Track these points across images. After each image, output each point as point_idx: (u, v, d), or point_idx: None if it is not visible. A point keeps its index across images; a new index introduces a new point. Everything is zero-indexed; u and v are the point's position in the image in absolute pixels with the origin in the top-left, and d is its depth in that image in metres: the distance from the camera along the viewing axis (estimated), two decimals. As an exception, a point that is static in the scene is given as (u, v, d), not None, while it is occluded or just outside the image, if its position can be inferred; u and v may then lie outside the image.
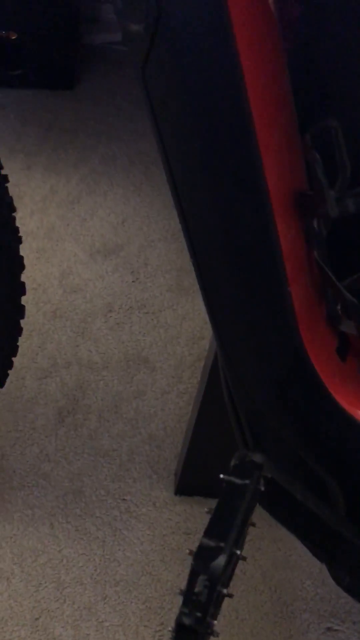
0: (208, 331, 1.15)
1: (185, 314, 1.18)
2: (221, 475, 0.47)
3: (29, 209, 1.31)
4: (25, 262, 0.71)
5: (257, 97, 0.37)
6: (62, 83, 1.59)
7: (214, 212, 0.44)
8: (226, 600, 0.49)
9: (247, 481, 0.46)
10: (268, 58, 0.38)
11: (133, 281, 1.22)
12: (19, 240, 0.62)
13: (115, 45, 1.72)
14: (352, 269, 0.49)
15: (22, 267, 0.63)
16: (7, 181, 0.59)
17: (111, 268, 1.24)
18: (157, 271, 1.25)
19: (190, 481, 0.93)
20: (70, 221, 1.31)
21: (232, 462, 0.49)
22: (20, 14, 1.47)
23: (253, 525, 0.51)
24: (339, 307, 0.47)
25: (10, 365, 0.70)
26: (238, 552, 0.48)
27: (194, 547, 0.48)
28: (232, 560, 0.48)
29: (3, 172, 0.58)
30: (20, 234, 0.65)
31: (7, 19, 1.47)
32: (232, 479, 0.47)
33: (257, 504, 0.51)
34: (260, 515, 0.54)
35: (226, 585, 0.47)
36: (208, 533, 0.47)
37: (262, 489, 0.47)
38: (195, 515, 0.93)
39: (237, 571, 0.51)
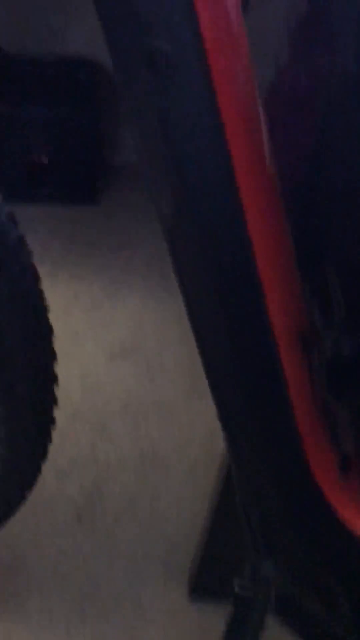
0: (222, 433, 1.20)
1: (199, 415, 1.23)
2: (234, 587, 0.52)
3: (55, 314, 1.39)
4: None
5: (263, 259, 0.45)
6: (86, 199, 1.73)
7: (225, 342, 0.51)
8: None
9: (257, 594, 0.51)
10: (273, 226, 0.47)
11: (149, 382, 1.29)
12: (54, 357, 0.69)
13: (136, 165, 1.88)
14: (351, 391, 0.55)
15: (55, 380, 0.70)
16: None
17: (129, 369, 1.31)
18: (173, 373, 1.32)
19: (205, 583, 0.95)
20: (92, 325, 1.40)
21: (244, 573, 0.53)
22: (51, 139, 1.63)
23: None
24: (339, 429, 0.53)
25: (39, 469, 0.75)
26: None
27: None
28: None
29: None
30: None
31: (39, 144, 1.63)
32: (243, 592, 0.51)
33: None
34: (272, 619, 0.57)
35: None
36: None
37: (273, 599, 0.51)
38: (210, 620, 0.94)
39: None
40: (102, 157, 1.83)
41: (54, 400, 0.72)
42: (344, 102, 0.51)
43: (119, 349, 1.35)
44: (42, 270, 1.61)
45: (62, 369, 1.30)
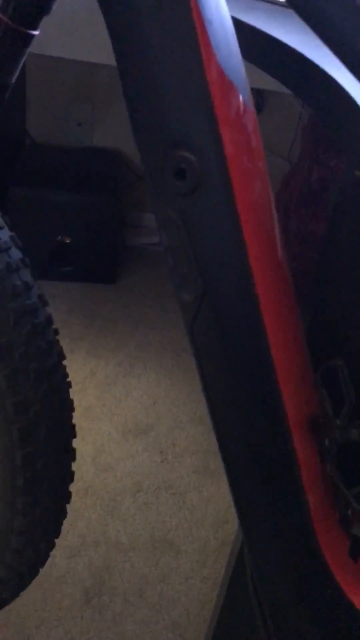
0: (232, 515, 1.20)
1: (210, 496, 1.23)
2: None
3: (71, 390, 1.43)
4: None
5: (279, 349, 0.49)
6: (106, 278, 1.80)
7: (241, 427, 0.54)
8: None
9: None
10: (287, 318, 0.51)
11: (161, 461, 1.30)
12: (73, 433, 0.71)
13: (153, 247, 1.97)
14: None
15: (73, 456, 0.73)
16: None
17: (141, 447, 1.32)
18: (185, 452, 1.33)
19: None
20: (106, 401, 1.42)
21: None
22: (75, 222, 1.72)
23: None
24: (349, 512, 0.55)
25: (53, 545, 0.76)
26: None
27: None
28: None
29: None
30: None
31: (64, 226, 1.72)
32: None
33: None
34: None
35: None
36: None
37: None
38: None
39: None
40: (121, 239, 1.91)
41: (70, 476, 0.73)
42: (353, 199, 0.56)
43: (132, 427, 1.37)
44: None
45: (75, 445, 1.32)
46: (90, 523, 1.16)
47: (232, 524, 1.18)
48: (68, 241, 1.72)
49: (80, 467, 1.26)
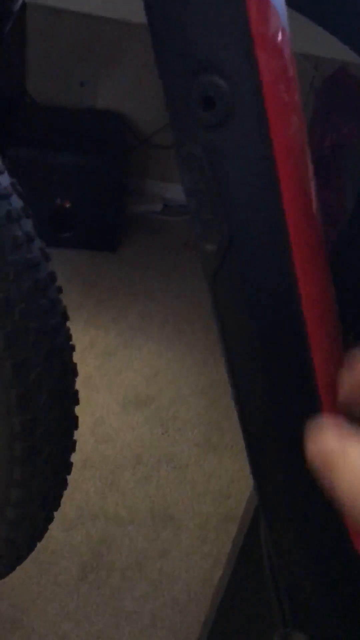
0: (235, 490, 1.16)
1: (212, 470, 1.19)
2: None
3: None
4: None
5: (311, 310, 0.43)
6: (106, 246, 1.74)
7: (265, 393, 0.48)
8: None
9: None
10: (320, 276, 0.45)
11: (162, 434, 1.26)
12: (76, 400, 0.67)
13: (155, 215, 1.91)
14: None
15: (75, 424, 0.68)
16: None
17: (142, 419, 1.28)
18: (186, 425, 1.28)
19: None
20: (107, 372, 1.38)
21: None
22: (75, 185, 1.65)
23: None
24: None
25: (51, 519, 0.72)
26: None
27: None
28: None
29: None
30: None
31: (63, 190, 1.65)
32: None
33: None
34: None
35: None
36: None
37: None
38: None
39: None
40: (123, 206, 1.85)
41: (72, 446, 0.69)
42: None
43: (133, 398, 1.32)
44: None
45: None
46: (89, 495, 1.12)
47: (235, 499, 1.14)
48: (68, 205, 1.66)
49: (79, 438, 1.21)
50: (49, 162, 1.62)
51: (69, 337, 0.64)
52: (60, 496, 0.71)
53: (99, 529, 1.07)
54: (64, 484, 0.70)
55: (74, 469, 1.18)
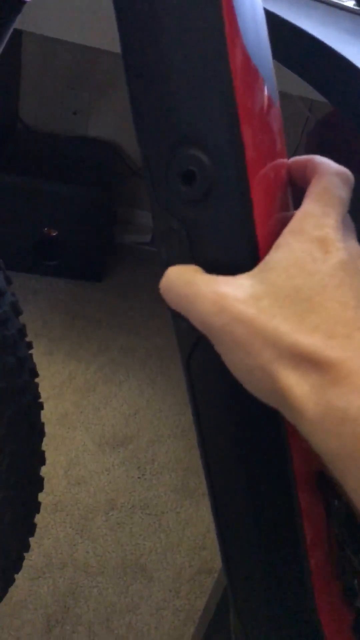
0: (210, 541, 1.12)
1: (188, 518, 1.16)
2: None
3: (46, 393, 1.34)
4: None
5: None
6: (91, 275, 1.71)
7: (240, 478, 0.46)
8: None
9: None
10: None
11: (139, 477, 1.22)
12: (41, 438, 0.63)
13: (144, 246, 1.88)
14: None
15: (41, 488, 0.64)
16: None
17: (118, 461, 1.24)
18: (164, 469, 1.25)
19: None
20: (84, 409, 1.34)
21: None
22: (63, 214, 1.63)
23: None
24: (356, 583, 0.47)
25: (27, 547, 0.68)
26: None
27: None
28: None
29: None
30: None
31: (51, 218, 1.62)
32: None
33: None
34: None
35: None
36: None
37: None
38: None
39: None
40: (111, 236, 1.83)
41: (36, 508, 0.65)
42: None
43: (110, 438, 1.29)
44: (39, 347, 1.57)
45: (48, 454, 1.24)
46: (58, 542, 1.08)
47: (210, 550, 1.10)
48: (54, 234, 1.63)
49: (51, 479, 1.17)
50: (37, 189, 1.60)
51: (37, 396, 0.61)
52: (22, 559, 0.67)
53: (67, 578, 1.03)
54: (26, 546, 0.67)
55: (44, 513, 1.14)
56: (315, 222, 0.33)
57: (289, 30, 0.62)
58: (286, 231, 0.34)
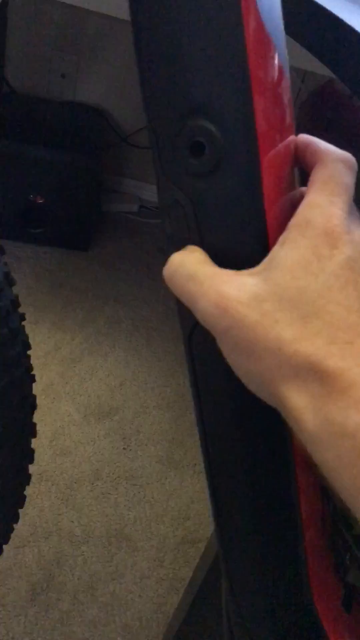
0: (194, 511, 1.13)
1: (172, 490, 1.17)
2: None
3: (32, 363, 1.33)
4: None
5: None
6: (78, 244, 1.69)
7: (238, 452, 0.46)
8: None
9: None
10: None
11: (124, 448, 1.22)
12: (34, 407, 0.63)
13: (130, 215, 1.86)
14: None
15: (31, 460, 0.64)
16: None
17: (103, 432, 1.24)
18: (149, 440, 1.25)
19: None
20: (70, 379, 1.33)
21: None
22: (49, 180, 1.60)
23: None
24: (347, 558, 0.48)
25: (16, 518, 0.68)
26: None
27: None
28: None
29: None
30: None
31: (37, 184, 1.59)
32: None
33: None
34: None
35: None
36: None
37: None
38: None
39: None
40: (98, 204, 1.80)
41: (26, 479, 0.65)
42: None
43: (96, 409, 1.29)
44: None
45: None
46: (43, 511, 1.08)
47: (194, 521, 1.12)
48: (41, 201, 1.60)
49: (36, 449, 1.17)
50: (23, 155, 1.56)
51: (30, 368, 0.60)
52: (11, 529, 0.67)
53: (52, 547, 1.03)
54: (15, 517, 0.67)
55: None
56: (321, 213, 0.32)
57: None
58: (292, 224, 0.33)
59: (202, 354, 0.41)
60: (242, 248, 0.39)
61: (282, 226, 0.39)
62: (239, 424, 0.42)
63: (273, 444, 0.42)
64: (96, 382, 1.34)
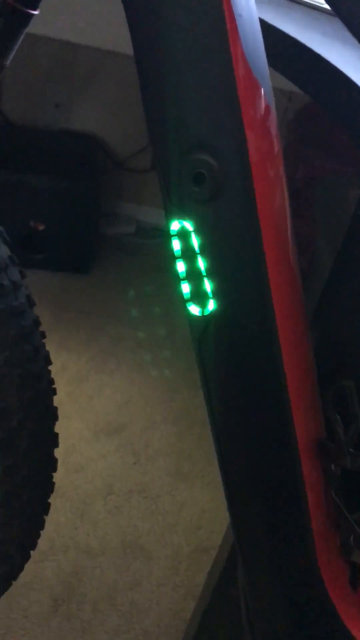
0: (206, 521, 1.17)
1: (183, 500, 1.20)
2: None
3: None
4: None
5: (292, 374, 0.46)
6: (79, 268, 1.74)
7: (247, 450, 0.50)
8: None
9: None
10: (301, 341, 0.47)
11: (134, 463, 1.26)
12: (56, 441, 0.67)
13: (128, 237, 1.92)
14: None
15: (55, 468, 0.68)
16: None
17: (114, 448, 1.28)
18: (158, 454, 1.29)
19: None
20: (78, 398, 1.38)
21: None
22: (48, 207, 1.65)
23: None
24: (351, 539, 0.52)
25: (42, 525, 0.72)
26: None
27: None
28: None
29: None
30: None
31: (37, 212, 1.65)
32: None
33: None
34: None
35: None
36: None
37: None
38: None
39: None
40: (97, 228, 1.85)
41: (51, 488, 0.69)
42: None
43: (105, 426, 1.33)
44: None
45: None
46: (59, 526, 1.12)
47: (205, 529, 1.15)
48: (42, 228, 1.66)
49: (50, 466, 1.21)
50: (23, 184, 1.62)
51: (51, 381, 0.65)
52: (38, 536, 0.71)
53: (70, 560, 1.07)
54: (41, 524, 0.71)
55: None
56: None
57: (275, 34, 0.66)
58: None
59: (209, 353, 0.46)
60: (242, 262, 0.44)
61: (277, 241, 0.44)
62: (244, 412, 0.47)
63: (279, 434, 0.47)
64: (104, 400, 1.38)
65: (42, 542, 1.09)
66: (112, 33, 1.45)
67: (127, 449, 1.28)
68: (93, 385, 1.41)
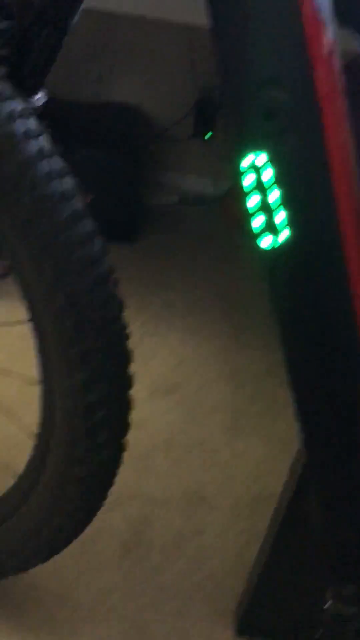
0: (265, 470, 1.21)
1: (241, 453, 1.25)
2: (325, 606, 0.53)
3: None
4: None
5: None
6: (125, 238, 1.78)
7: (319, 377, 0.53)
8: None
9: (353, 609, 0.52)
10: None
11: (190, 419, 1.31)
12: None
13: (172, 206, 1.95)
14: None
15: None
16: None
17: (171, 406, 1.33)
18: (214, 411, 1.33)
19: (253, 622, 0.95)
20: (133, 361, 1.42)
21: (329, 596, 0.54)
22: (93, 179, 1.69)
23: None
24: None
25: (118, 463, 0.77)
26: None
27: None
28: None
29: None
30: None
31: (83, 184, 1.69)
32: (339, 606, 0.52)
33: None
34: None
35: None
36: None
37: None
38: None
39: None
40: (141, 198, 1.89)
41: (126, 427, 0.74)
42: None
43: (160, 386, 1.38)
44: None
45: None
46: (124, 479, 1.17)
47: (265, 479, 1.19)
48: (89, 200, 1.69)
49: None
50: (69, 158, 1.66)
51: (125, 326, 0.69)
52: (115, 474, 0.76)
53: (137, 509, 1.12)
54: (118, 463, 0.76)
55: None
56: None
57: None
58: None
59: (283, 283, 0.49)
60: (313, 194, 0.47)
61: (345, 172, 0.47)
62: (318, 338, 0.50)
63: (351, 363, 0.50)
64: (158, 362, 1.43)
65: (110, 493, 1.15)
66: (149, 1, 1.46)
67: (183, 406, 1.33)
68: (147, 349, 1.46)
